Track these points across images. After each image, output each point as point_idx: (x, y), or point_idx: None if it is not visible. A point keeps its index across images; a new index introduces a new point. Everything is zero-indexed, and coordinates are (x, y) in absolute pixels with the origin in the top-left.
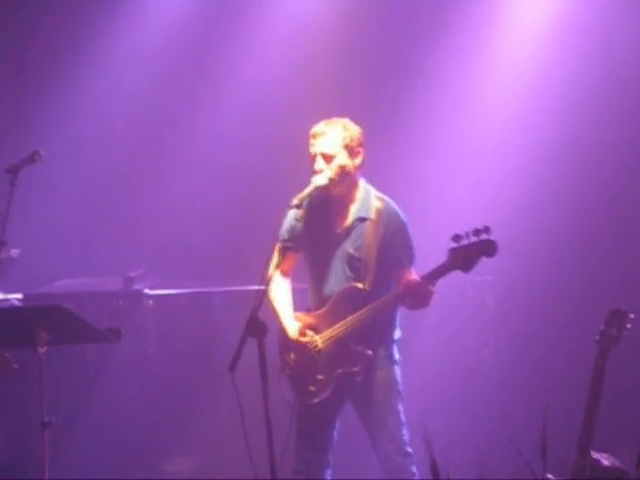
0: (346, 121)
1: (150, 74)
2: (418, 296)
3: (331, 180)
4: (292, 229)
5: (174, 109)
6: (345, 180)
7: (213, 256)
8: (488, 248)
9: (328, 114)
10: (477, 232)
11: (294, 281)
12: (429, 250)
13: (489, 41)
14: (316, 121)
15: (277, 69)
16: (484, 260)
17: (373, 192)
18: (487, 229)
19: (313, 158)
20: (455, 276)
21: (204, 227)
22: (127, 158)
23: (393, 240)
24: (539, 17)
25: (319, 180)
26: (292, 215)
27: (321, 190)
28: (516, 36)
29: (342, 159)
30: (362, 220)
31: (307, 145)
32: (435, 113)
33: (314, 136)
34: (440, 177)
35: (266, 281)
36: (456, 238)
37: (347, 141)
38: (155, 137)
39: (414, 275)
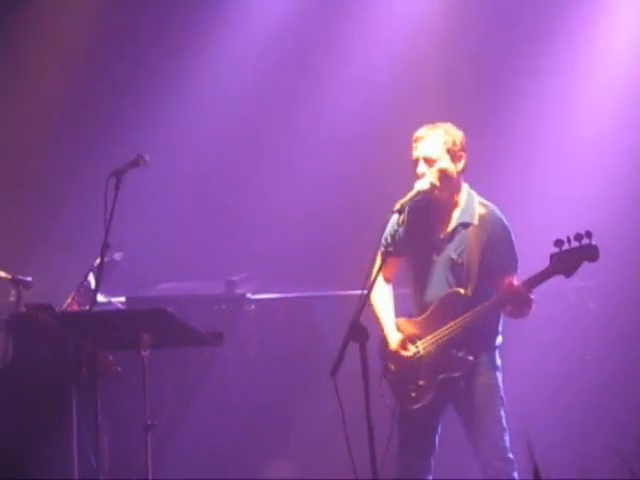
0: (448, 125)
1: (252, 75)
2: (517, 303)
3: (433, 184)
4: (394, 234)
5: (276, 111)
6: (448, 185)
7: (315, 261)
8: (590, 253)
9: (434, 116)
10: (579, 237)
11: (396, 286)
12: (532, 256)
13: (595, 41)
14: (422, 123)
15: (382, 69)
16: (586, 265)
17: (477, 198)
18: (589, 234)
19: (415, 162)
20: (557, 282)
21: (306, 232)
22: (229, 161)
23: (496, 247)
24: None
25: (421, 185)
26: (394, 220)
27: (423, 195)
28: (622, 36)
29: (444, 163)
30: (465, 226)
31: (410, 151)
32: (540, 115)
33: (416, 140)
34: (544, 181)
35: (368, 286)
36: (558, 243)
37: (449, 145)
38: (257, 139)
39: (516, 282)
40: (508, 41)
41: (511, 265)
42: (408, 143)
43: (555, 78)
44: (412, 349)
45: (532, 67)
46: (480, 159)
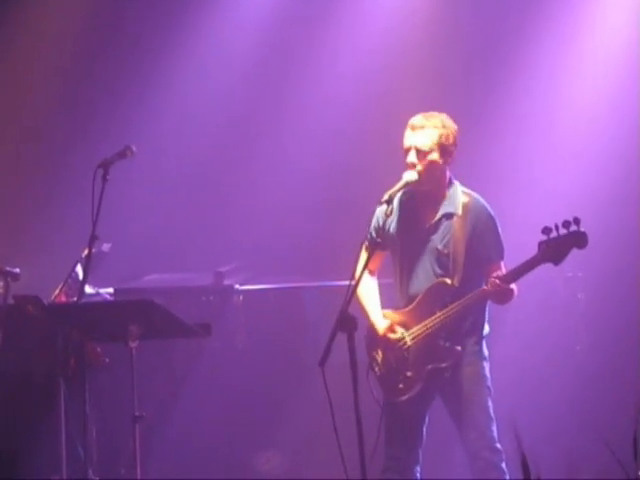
0: (444, 117)
1: (242, 67)
2: (498, 297)
3: (422, 176)
4: (381, 225)
5: (265, 102)
6: (435, 177)
7: (303, 252)
8: (578, 240)
9: (422, 107)
10: (567, 224)
11: (380, 276)
12: (519, 244)
13: (582, 33)
14: (409, 117)
15: (370, 64)
16: (575, 255)
17: (460, 187)
18: (577, 221)
19: (406, 150)
20: (546, 271)
21: (294, 222)
22: (218, 152)
23: (482, 236)
24: (631, 14)
25: (409, 176)
26: (381, 211)
27: (411, 186)
28: (610, 30)
29: (435, 156)
30: (449, 216)
31: (400, 141)
32: (526, 105)
33: (412, 128)
34: (531, 170)
35: (356, 277)
36: (546, 231)
37: (443, 140)
38: (247, 131)
39: (503, 270)
40: (496, 33)
41: (497, 253)
42: (398, 135)
43: (543, 69)
44: (400, 332)
45: (518, 57)
46: (468, 149)
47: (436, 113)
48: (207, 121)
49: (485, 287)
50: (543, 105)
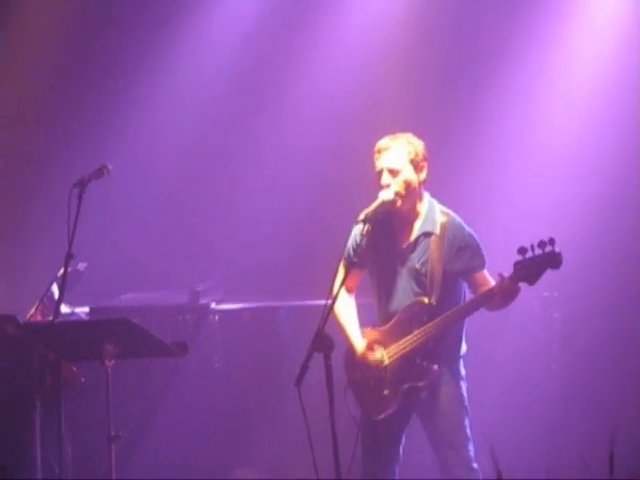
0: (409, 136)
1: (216, 85)
2: (507, 296)
3: (398, 195)
4: (358, 245)
5: (242, 118)
6: (411, 195)
7: (279, 271)
8: (553, 260)
9: (396, 124)
10: (542, 244)
11: (359, 296)
12: (495, 266)
13: (558, 47)
14: (385, 133)
15: (349, 80)
16: (551, 276)
17: (438, 207)
18: (552, 241)
19: (379, 174)
20: (522, 292)
21: (270, 241)
22: (193, 170)
23: (461, 252)
24: (617, 15)
25: (386, 195)
26: (358, 230)
27: (388, 205)
28: (586, 42)
29: (408, 174)
30: (427, 235)
31: (374, 160)
32: (500, 120)
33: (379, 151)
34: (506, 189)
35: (333, 296)
36: (521, 251)
37: (412, 156)
38: (221, 149)
39: (489, 279)
40: (474, 47)
41: (480, 263)
42: (371, 153)
43: (518, 84)
44: (379, 352)
45: (493, 69)
46: (443, 165)
47: (400, 134)
48: (182, 139)
49: (488, 288)
50: (521, 118)
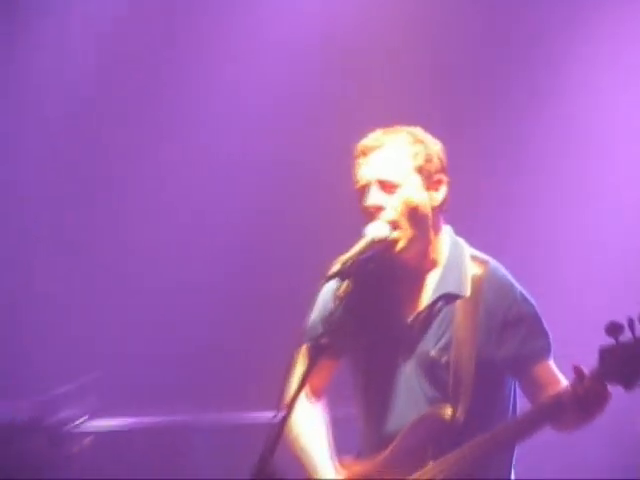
0: (417, 130)
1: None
2: (588, 404)
3: (397, 228)
4: (330, 316)
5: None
6: (420, 228)
7: (193, 366)
8: None
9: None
10: None
11: (333, 405)
12: (560, 346)
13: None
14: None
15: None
16: None
17: (467, 250)
18: None
19: (362, 189)
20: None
21: (180, 322)
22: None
23: (508, 332)
24: None
25: (377, 230)
26: (329, 292)
27: (380, 247)
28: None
29: (412, 190)
30: (450, 299)
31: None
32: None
33: (364, 152)
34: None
35: (286, 405)
36: (613, 329)
37: (420, 161)
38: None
39: (556, 372)
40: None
41: (542, 347)
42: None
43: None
44: None
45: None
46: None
47: (398, 127)
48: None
49: (556, 391)
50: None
